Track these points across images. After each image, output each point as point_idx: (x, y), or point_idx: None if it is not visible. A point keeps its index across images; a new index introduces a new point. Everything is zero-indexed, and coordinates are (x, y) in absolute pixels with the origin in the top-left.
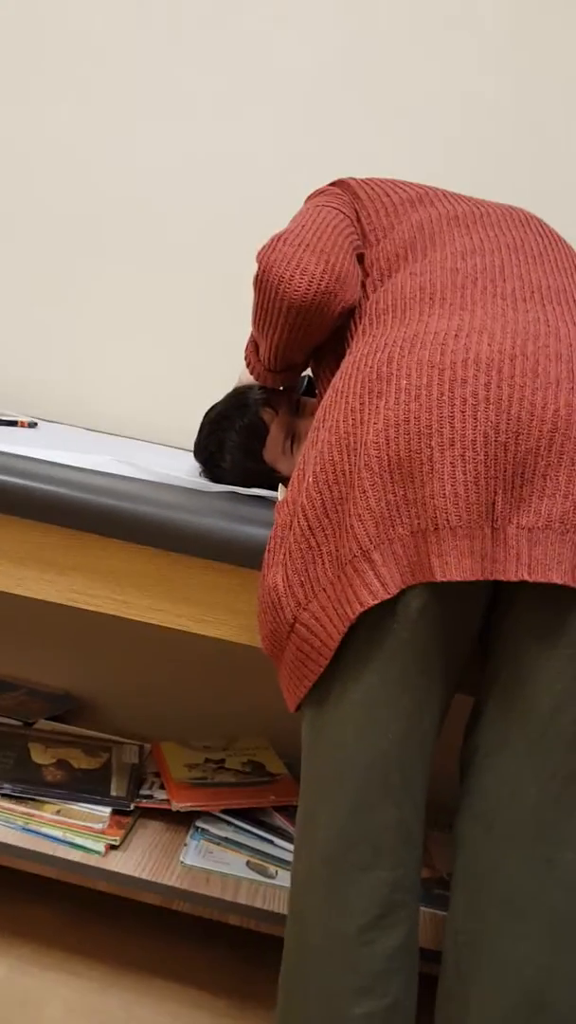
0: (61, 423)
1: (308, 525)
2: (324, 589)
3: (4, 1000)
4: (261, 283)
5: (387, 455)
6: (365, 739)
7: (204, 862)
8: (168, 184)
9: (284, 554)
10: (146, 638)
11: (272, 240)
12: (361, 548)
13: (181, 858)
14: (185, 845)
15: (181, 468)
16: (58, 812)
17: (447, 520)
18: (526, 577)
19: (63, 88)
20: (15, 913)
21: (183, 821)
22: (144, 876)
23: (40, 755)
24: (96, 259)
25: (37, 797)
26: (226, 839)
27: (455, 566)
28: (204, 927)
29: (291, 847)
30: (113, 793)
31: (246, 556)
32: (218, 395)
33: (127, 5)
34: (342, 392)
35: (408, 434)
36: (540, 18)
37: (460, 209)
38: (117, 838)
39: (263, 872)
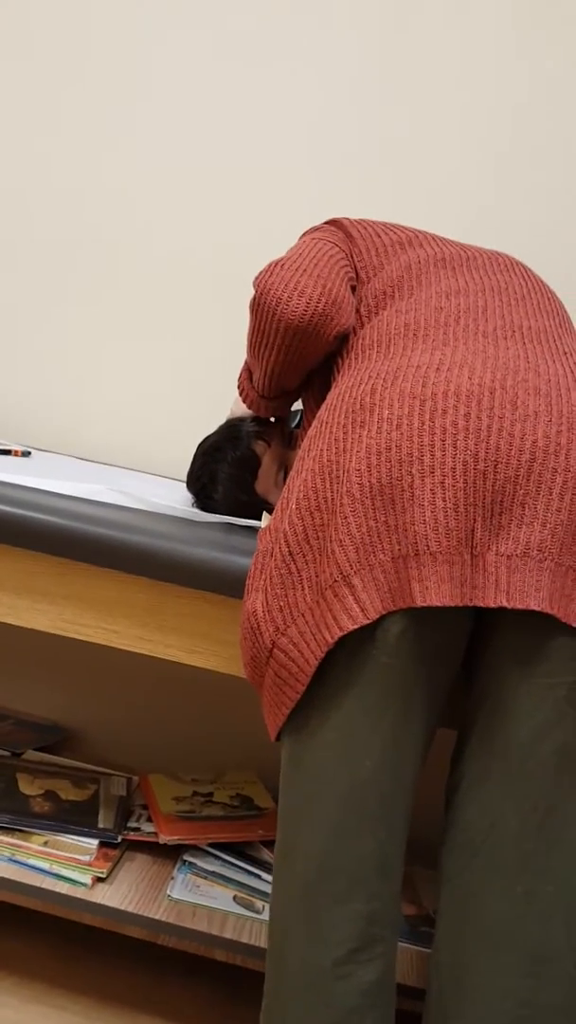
0: (55, 452)
1: (289, 551)
2: (303, 615)
3: None
4: (258, 305)
5: (369, 482)
6: (343, 767)
7: (191, 896)
8: (163, 213)
9: (264, 580)
10: (135, 669)
11: (270, 265)
12: (342, 573)
13: (168, 891)
14: (172, 878)
15: (174, 498)
16: (45, 843)
17: (427, 546)
18: (504, 603)
19: (53, 110)
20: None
21: (170, 854)
22: (130, 909)
23: (28, 786)
24: (90, 287)
25: (24, 828)
26: (213, 873)
27: (435, 591)
28: (189, 962)
29: None
30: (101, 825)
31: (237, 587)
32: (212, 426)
33: (129, 28)
34: (326, 423)
35: (390, 462)
36: (547, 50)
37: (447, 252)
38: (104, 870)
39: (250, 907)
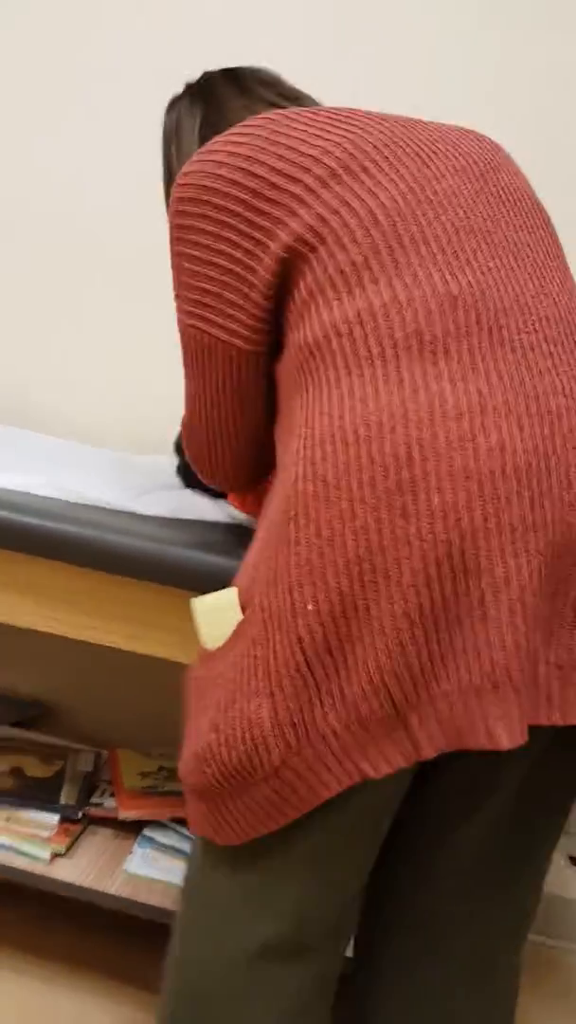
0: (6, 424)
1: (306, 661)
2: (325, 738)
3: None
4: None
5: (430, 599)
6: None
7: (148, 870)
8: (99, 180)
9: (270, 683)
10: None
11: (183, 431)
12: (396, 710)
13: (125, 866)
14: (131, 853)
15: (116, 493)
16: (8, 820)
17: (509, 677)
18: (558, 721)
19: None
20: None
21: (133, 829)
22: (86, 884)
23: None
24: (37, 253)
25: None
26: (171, 847)
27: (519, 731)
28: (154, 928)
29: None
30: (62, 801)
31: (176, 576)
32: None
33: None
34: (336, 488)
35: (453, 572)
36: None
37: (433, 173)
38: (63, 846)
39: None
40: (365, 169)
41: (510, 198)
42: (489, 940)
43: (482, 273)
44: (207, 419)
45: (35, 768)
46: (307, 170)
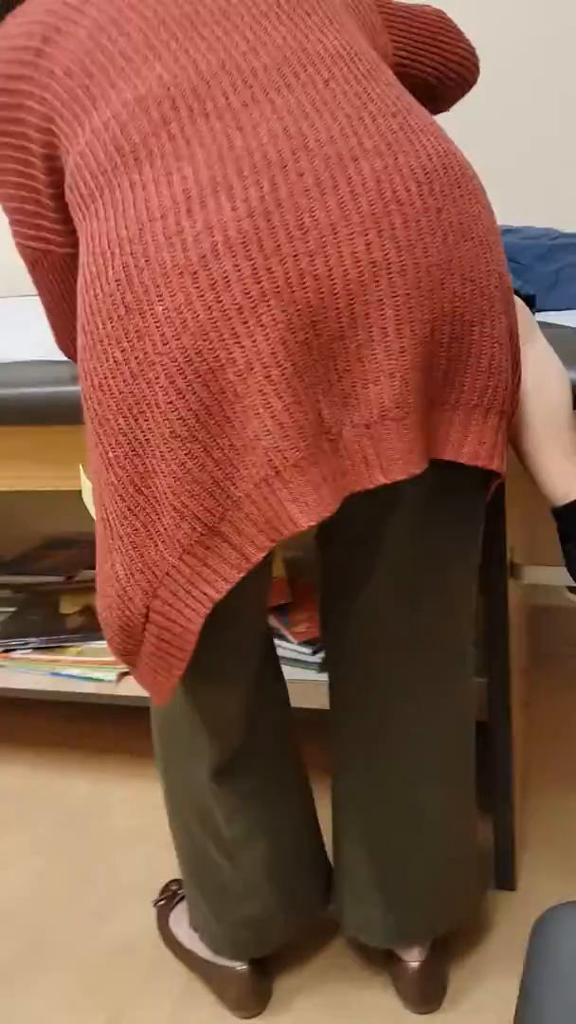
0: None
1: (127, 506)
2: (168, 574)
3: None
4: None
5: (190, 410)
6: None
7: None
8: None
9: (114, 538)
10: None
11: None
12: (207, 527)
13: None
14: None
15: (27, 341)
16: (79, 653)
17: (285, 458)
18: (382, 480)
19: None
20: (88, 735)
21: None
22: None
23: (68, 606)
24: None
25: (61, 644)
26: None
27: (316, 505)
28: None
29: (288, 647)
30: None
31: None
32: None
33: None
34: (90, 334)
35: (200, 374)
36: None
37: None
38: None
39: None
40: (58, 30)
41: None
42: (412, 673)
43: (176, 58)
44: (53, 321)
45: None
46: (22, 61)
